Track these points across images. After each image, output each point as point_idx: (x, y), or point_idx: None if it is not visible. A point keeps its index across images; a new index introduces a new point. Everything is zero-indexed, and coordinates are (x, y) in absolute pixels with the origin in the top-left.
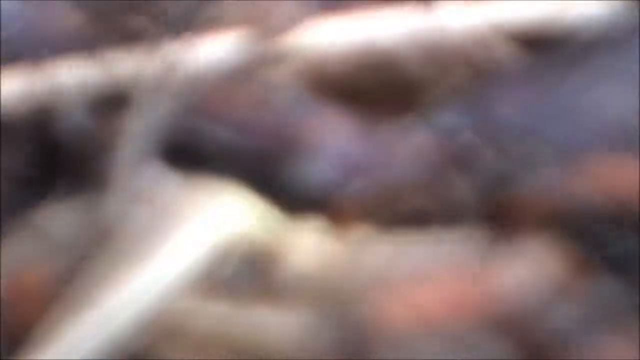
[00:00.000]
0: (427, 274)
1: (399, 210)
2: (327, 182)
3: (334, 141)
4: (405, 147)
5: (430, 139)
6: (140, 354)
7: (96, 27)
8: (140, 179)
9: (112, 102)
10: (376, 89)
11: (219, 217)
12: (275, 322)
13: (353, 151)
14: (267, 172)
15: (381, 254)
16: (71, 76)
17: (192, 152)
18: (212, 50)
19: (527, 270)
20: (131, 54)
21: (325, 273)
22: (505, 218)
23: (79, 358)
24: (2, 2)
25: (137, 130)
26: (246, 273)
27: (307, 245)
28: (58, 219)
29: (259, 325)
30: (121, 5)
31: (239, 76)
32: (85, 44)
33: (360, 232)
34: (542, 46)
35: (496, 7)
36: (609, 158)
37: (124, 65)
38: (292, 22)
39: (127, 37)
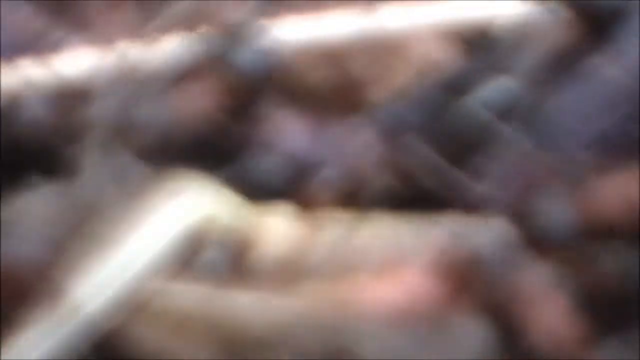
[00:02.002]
0: (397, 259)
1: (366, 193)
2: (279, 178)
3: (286, 139)
4: (353, 145)
5: (376, 137)
6: (116, 334)
7: (58, 27)
8: (110, 168)
9: (76, 97)
10: (324, 88)
11: (189, 203)
12: (248, 304)
13: (304, 149)
14: (225, 167)
15: (350, 239)
16: (36, 72)
17: (156, 146)
18: (170, 47)
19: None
20: (93, 51)
21: (296, 257)
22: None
23: (57, 340)
24: None
25: (102, 123)
26: (219, 257)
27: (277, 230)
28: (31, 208)
29: (232, 307)
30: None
31: (197, 74)
32: (48, 43)
33: (330, 218)
34: (480, 45)
35: (438, 8)
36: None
37: (86, 61)
38: (245, 22)
39: (88, 37)
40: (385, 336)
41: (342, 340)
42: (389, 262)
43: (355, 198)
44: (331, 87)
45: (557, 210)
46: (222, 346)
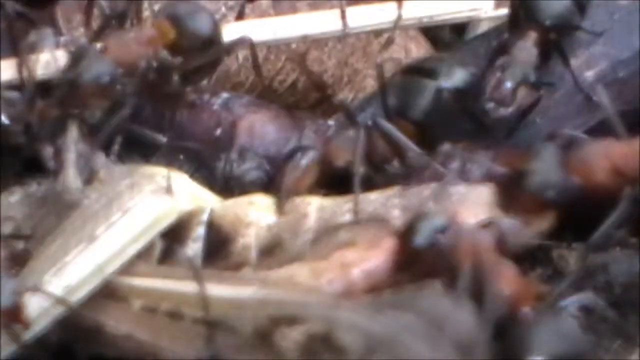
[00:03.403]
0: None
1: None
2: (253, 178)
3: (259, 141)
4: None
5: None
6: (94, 327)
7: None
8: (90, 165)
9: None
10: (295, 89)
11: (168, 197)
12: (228, 297)
13: (277, 150)
14: (203, 166)
15: (330, 221)
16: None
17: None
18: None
19: None
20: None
21: (278, 245)
22: None
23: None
24: None
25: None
26: (200, 250)
27: (258, 221)
28: (12, 202)
29: (213, 300)
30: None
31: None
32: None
33: (308, 204)
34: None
35: (405, 8)
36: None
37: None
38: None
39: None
40: (366, 322)
41: (324, 328)
42: (373, 238)
43: (331, 186)
44: (301, 88)
45: (549, 172)
46: (203, 338)
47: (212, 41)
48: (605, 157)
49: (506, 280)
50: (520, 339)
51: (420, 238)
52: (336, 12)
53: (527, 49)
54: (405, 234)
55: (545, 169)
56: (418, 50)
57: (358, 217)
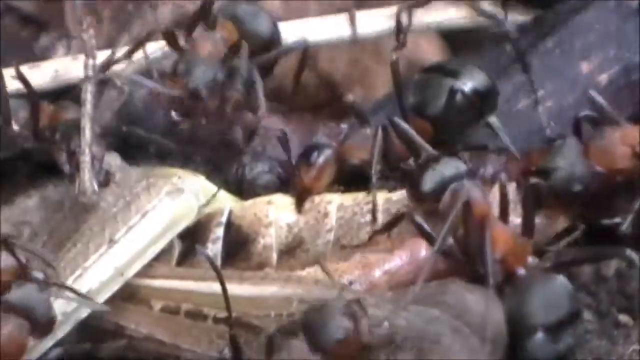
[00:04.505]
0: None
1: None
2: (266, 181)
3: (273, 147)
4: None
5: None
6: (114, 329)
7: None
8: (105, 167)
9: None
10: (305, 88)
11: (187, 199)
12: (247, 292)
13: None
14: (218, 169)
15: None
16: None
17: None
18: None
19: None
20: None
21: (299, 245)
22: None
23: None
24: None
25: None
26: (219, 251)
27: (278, 221)
28: (29, 206)
29: (233, 300)
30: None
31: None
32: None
33: (324, 203)
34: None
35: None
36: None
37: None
38: None
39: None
40: (391, 318)
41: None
42: (395, 238)
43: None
44: (312, 87)
45: (573, 165)
46: (224, 338)
47: (272, 42)
48: (625, 143)
49: (499, 242)
50: (516, 304)
51: (427, 183)
52: (346, 17)
53: None
54: (415, 176)
55: (569, 163)
56: (429, 45)
57: (376, 218)
